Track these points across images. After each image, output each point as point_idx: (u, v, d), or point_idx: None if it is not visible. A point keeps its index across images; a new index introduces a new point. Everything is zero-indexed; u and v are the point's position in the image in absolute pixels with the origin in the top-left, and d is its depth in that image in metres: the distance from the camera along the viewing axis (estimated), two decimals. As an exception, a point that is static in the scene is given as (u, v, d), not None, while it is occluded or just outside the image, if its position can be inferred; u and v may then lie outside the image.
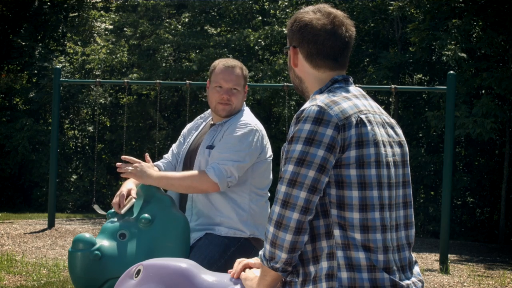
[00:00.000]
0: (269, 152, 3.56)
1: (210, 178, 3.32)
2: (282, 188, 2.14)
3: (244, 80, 3.61)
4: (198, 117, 3.82)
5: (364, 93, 2.34)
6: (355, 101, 2.24)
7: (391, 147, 2.26)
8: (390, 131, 2.29)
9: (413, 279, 2.26)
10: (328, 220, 2.17)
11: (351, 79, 2.34)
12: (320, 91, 2.28)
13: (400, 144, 2.31)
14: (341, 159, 2.15)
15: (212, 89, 3.59)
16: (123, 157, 3.47)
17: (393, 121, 2.35)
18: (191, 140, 3.66)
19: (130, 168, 3.37)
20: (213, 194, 3.45)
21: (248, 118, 3.56)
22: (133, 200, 3.36)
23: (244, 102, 3.67)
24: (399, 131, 2.35)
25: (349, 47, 2.33)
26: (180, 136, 3.79)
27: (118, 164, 3.44)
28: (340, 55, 2.31)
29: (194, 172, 3.38)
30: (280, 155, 2.24)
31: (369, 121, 2.21)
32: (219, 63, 3.62)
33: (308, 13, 2.31)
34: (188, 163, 3.59)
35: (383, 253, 2.17)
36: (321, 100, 2.19)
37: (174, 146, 3.77)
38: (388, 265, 2.17)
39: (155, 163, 3.72)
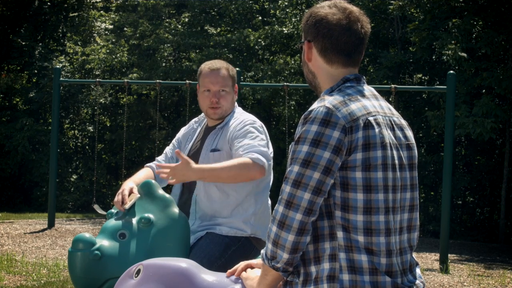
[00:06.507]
0: (271, 148, 3.53)
1: (257, 164, 3.22)
2: (286, 189, 2.13)
3: (232, 80, 3.57)
4: (193, 121, 3.77)
5: (376, 93, 2.31)
6: (365, 102, 2.21)
7: (399, 150, 2.24)
8: (399, 133, 2.27)
9: (415, 281, 2.25)
10: (332, 221, 2.16)
11: (363, 78, 2.31)
12: (331, 90, 2.27)
13: (408, 147, 2.29)
14: (347, 161, 2.14)
15: (202, 94, 3.56)
16: (158, 164, 3.36)
17: (403, 123, 2.32)
18: (190, 146, 3.62)
19: (171, 178, 3.23)
20: (217, 198, 3.43)
21: (245, 115, 3.56)
22: (137, 195, 3.35)
23: (236, 103, 3.65)
24: (409, 133, 2.32)
25: (364, 43, 2.31)
26: (174, 140, 3.73)
27: (162, 175, 3.28)
28: (354, 51, 2.29)
29: (236, 161, 3.25)
30: (285, 154, 2.24)
31: (378, 123, 2.18)
32: (205, 66, 3.58)
33: (324, 7, 2.30)
34: None
35: (386, 257, 2.16)
36: (329, 101, 2.17)
37: (168, 149, 3.72)
38: (390, 268, 2.17)
39: (149, 164, 3.69)
